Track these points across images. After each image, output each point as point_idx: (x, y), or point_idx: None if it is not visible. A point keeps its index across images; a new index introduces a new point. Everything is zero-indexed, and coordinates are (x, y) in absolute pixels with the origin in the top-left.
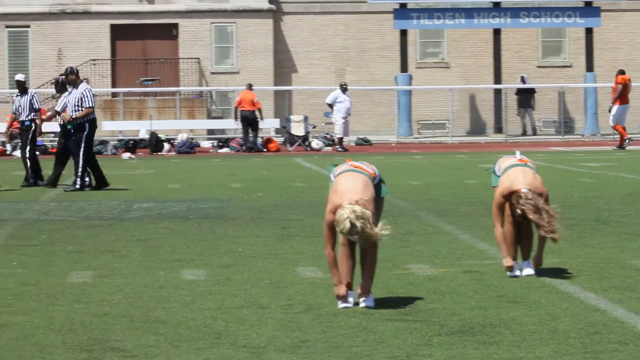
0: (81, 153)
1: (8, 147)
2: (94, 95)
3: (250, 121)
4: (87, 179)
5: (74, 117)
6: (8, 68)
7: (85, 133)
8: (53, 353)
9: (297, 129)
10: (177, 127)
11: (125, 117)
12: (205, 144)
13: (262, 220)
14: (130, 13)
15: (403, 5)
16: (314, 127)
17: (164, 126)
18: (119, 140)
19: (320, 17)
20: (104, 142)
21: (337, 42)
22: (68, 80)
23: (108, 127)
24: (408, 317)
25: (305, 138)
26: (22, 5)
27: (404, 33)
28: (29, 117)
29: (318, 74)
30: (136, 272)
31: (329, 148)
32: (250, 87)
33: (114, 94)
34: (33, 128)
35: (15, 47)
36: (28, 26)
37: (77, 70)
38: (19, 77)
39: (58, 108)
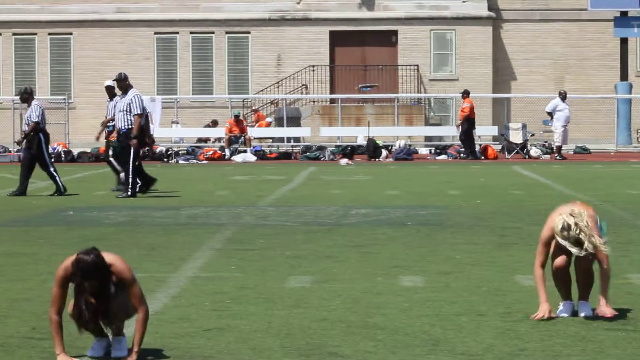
0: (131, 160)
1: (227, 152)
2: (142, 100)
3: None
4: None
5: (132, 137)
6: (227, 73)
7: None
8: (271, 357)
9: (516, 137)
10: (395, 133)
11: (343, 123)
12: (423, 151)
13: (480, 227)
14: (350, 20)
15: (624, 14)
16: (532, 135)
17: (382, 132)
18: (337, 146)
19: (540, 25)
20: (321, 148)
21: (556, 50)
22: (119, 86)
23: (326, 133)
24: (627, 327)
25: (523, 146)
26: (243, 12)
27: (624, 41)
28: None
29: (537, 81)
30: (354, 277)
31: (547, 156)
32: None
33: (332, 100)
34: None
35: (235, 53)
36: (248, 32)
37: (125, 76)
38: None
39: (109, 116)
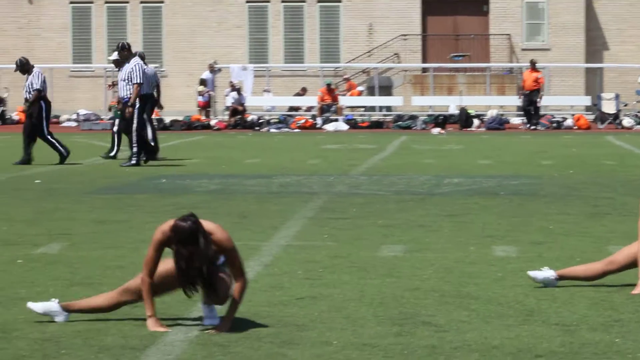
0: (134, 129)
1: (319, 120)
2: (144, 69)
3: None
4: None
5: (129, 105)
6: (319, 42)
7: (137, 108)
8: (364, 326)
9: (608, 107)
10: (486, 103)
11: (435, 92)
12: (515, 121)
13: (573, 197)
14: None
15: None
16: (626, 105)
17: (473, 102)
18: (429, 116)
19: None
20: (413, 117)
21: None
22: (120, 55)
23: (418, 102)
24: None
25: (616, 116)
26: None
27: None
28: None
29: (630, 51)
30: (447, 247)
31: None
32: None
33: (424, 70)
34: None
35: (327, 21)
36: (340, 1)
37: (128, 45)
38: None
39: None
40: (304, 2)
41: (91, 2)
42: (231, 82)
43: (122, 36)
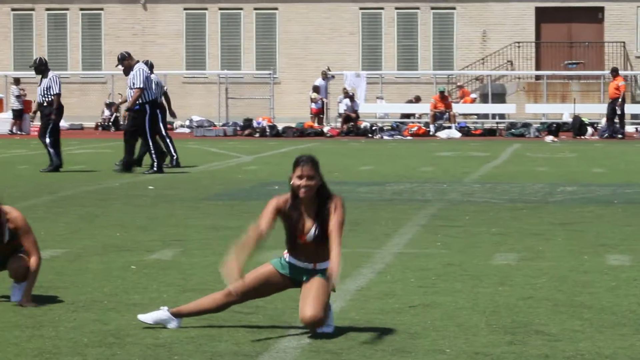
0: (148, 137)
1: (431, 128)
2: (149, 75)
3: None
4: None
5: (126, 109)
6: (432, 49)
7: (147, 115)
8: (477, 334)
9: None
10: (601, 111)
11: (548, 100)
12: (630, 129)
13: None
14: None
15: None
16: None
17: (587, 110)
18: (542, 123)
19: None
20: (526, 125)
21: None
22: (123, 65)
23: (531, 110)
24: None
25: None
26: None
27: None
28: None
29: None
30: (560, 255)
31: None
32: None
33: (538, 77)
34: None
35: (440, 28)
36: (454, 8)
37: (128, 54)
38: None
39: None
40: (417, 9)
41: (205, 9)
42: (344, 89)
43: (235, 42)
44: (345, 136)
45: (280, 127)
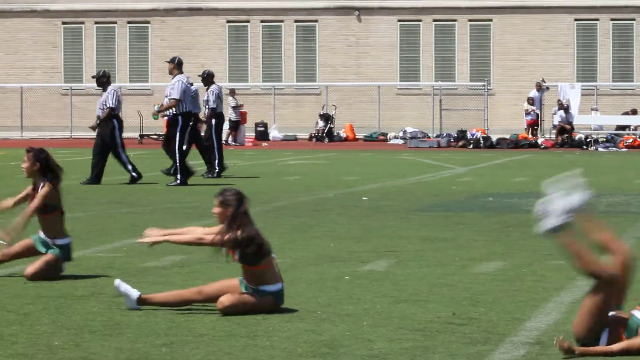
0: (176, 148)
1: None
2: (190, 85)
3: None
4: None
5: (157, 110)
6: None
7: (178, 127)
8: None
9: None
10: None
11: None
12: None
13: None
14: None
15: None
16: None
17: None
18: None
19: None
20: None
21: None
22: (169, 70)
23: None
24: None
25: None
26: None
27: None
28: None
29: None
30: None
31: None
32: None
33: None
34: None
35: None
36: (633, 19)
37: (178, 61)
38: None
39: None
40: (633, 20)
41: (419, 20)
42: (559, 100)
43: (450, 54)
44: (559, 148)
45: (494, 138)
